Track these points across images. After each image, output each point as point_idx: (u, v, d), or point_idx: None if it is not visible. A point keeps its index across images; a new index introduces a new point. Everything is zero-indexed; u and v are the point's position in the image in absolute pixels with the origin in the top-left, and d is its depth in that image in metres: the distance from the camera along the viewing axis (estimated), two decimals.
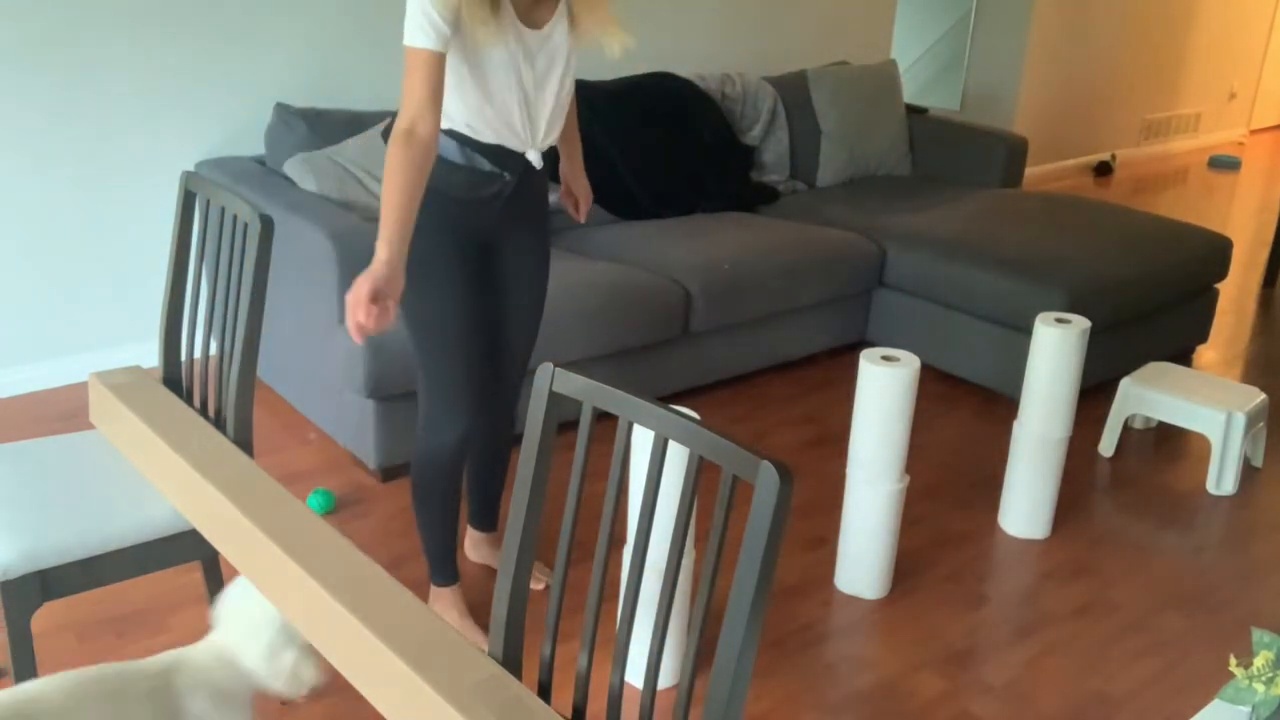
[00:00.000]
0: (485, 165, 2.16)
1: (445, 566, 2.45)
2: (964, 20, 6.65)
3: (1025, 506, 2.95)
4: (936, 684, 2.38)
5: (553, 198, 2.45)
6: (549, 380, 1.43)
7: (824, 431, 3.51)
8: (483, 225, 2.24)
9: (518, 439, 3.00)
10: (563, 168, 2.49)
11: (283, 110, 3.47)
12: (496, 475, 2.61)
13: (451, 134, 2.14)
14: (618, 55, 2.18)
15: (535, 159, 2.20)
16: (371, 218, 3.08)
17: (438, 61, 1.97)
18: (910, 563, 2.82)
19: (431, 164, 2.00)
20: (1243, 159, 8.03)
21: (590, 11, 2.14)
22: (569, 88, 2.22)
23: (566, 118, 2.42)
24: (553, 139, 2.24)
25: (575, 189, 2.50)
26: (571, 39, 2.16)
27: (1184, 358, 4.25)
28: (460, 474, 2.37)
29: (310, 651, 1.69)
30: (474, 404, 2.28)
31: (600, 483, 3.03)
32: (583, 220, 2.53)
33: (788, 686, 2.36)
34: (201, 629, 2.41)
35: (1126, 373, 3.50)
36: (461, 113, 2.11)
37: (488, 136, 2.13)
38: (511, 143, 2.16)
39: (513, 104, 2.10)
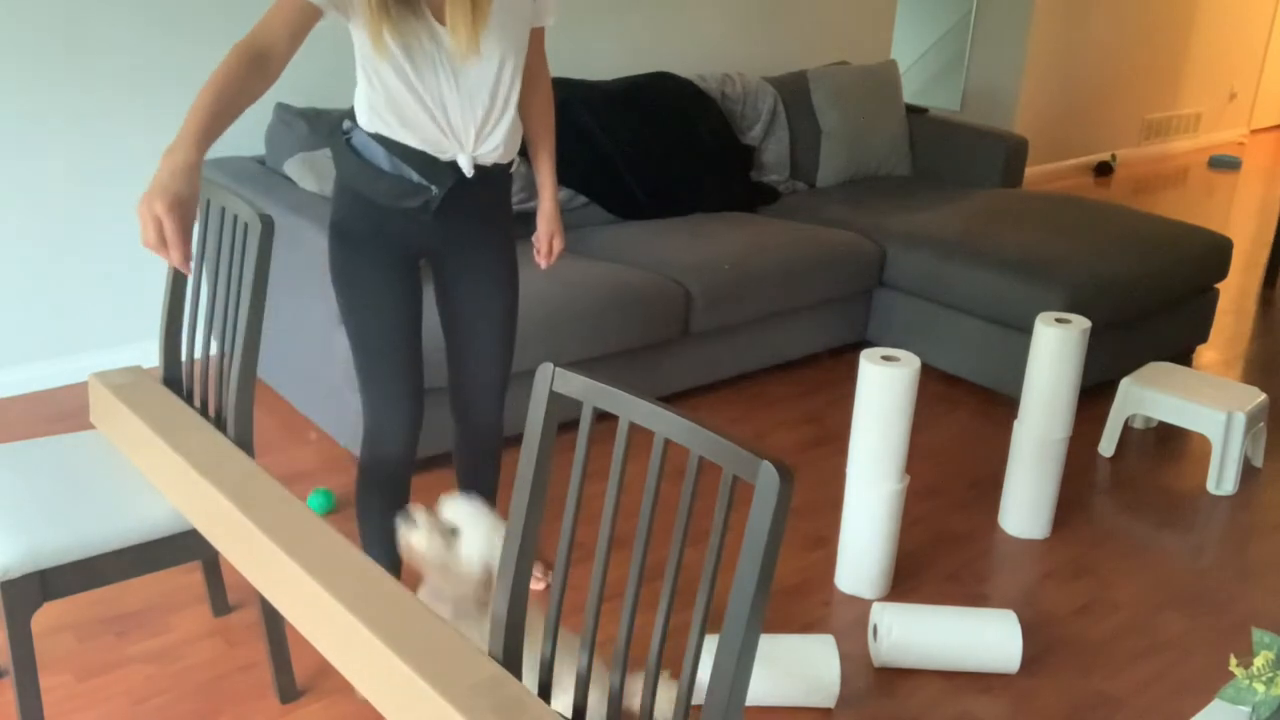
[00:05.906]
0: (413, 176, 2.07)
1: None
2: (964, 20, 6.65)
3: (1025, 506, 2.95)
4: (937, 683, 2.39)
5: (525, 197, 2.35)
6: (549, 380, 1.43)
7: (824, 431, 3.51)
8: (415, 235, 2.15)
9: (513, 439, 3.00)
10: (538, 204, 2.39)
11: (283, 110, 3.47)
12: (485, 481, 2.52)
13: (379, 139, 2.07)
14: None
15: (465, 164, 2.09)
16: None
17: (309, 12, 1.86)
18: (910, 563, 2.82)
19: (261, 94, 1.81)
20: (1243, 159, 8.03)
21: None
22: (509, 89, 2.08)
23: (539, 144, 2.33)
24: (496, 147, 2.11)
25: (543, 231, 2.37)
26: (506, 38, 2.03)
27: (1184, 358, 4.25)
28: (400, 493, 2.29)
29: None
30: (410, 418, 2.22)
31: (600, 483, 3.03)
32: (543, 267, 2.40)
33: None
34: (202, 629, 2.42)
35: (1126, 373, 3.50)
36: (390, 111, 2.04)
37: (412, 140, 2.05)
38: (438, 148, 2.07)
39: (433, 107, 2.02)
